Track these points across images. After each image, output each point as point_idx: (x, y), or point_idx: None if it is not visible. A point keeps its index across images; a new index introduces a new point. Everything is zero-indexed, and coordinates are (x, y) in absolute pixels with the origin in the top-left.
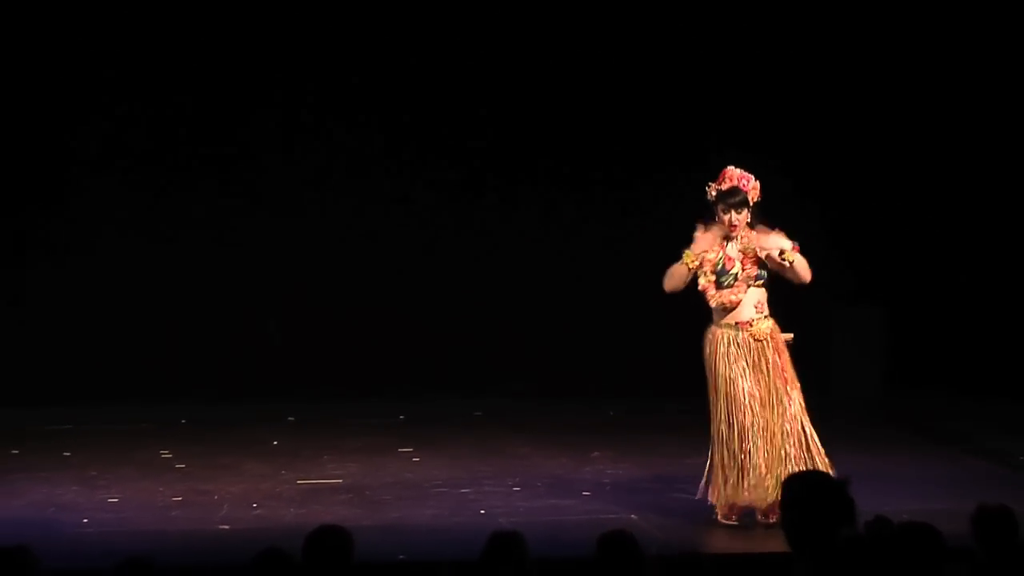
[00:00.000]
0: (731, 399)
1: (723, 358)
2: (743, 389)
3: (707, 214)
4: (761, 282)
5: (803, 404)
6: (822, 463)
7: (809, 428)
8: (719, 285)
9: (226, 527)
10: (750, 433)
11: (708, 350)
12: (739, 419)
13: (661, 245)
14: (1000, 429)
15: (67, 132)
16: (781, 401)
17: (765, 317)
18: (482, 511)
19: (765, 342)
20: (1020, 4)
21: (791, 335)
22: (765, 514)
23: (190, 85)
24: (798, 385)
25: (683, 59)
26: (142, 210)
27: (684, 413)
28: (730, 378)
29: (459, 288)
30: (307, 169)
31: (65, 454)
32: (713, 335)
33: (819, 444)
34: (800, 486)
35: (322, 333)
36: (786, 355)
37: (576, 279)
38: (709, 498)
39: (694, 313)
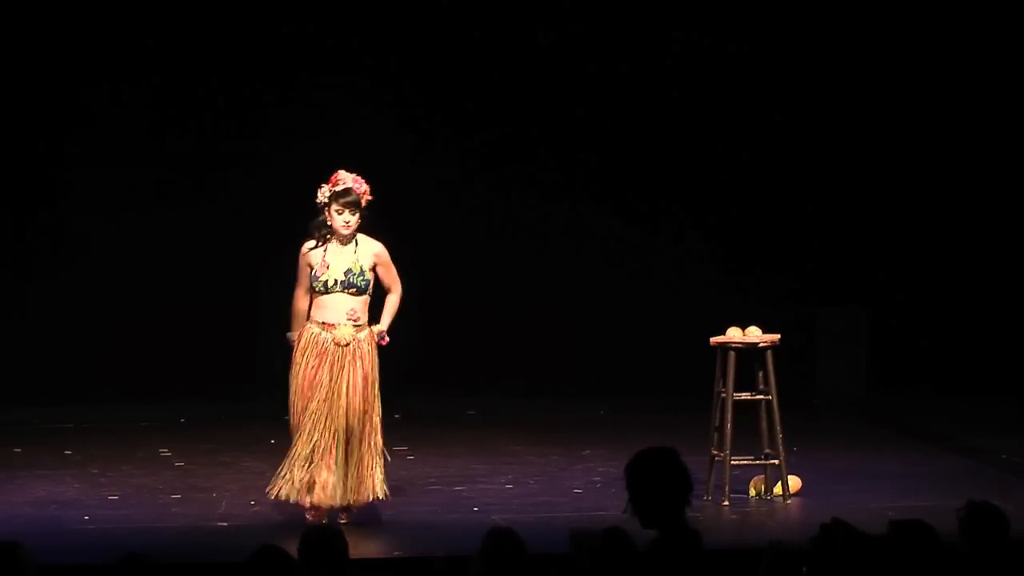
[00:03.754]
0: (300, 394)
1: (302, 353)
2: (311, 385)
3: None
4: (353, 290)
5: (374, 422)
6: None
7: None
8: (313, 290)
9: (224, 524)
10: (317, 432)
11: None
12: (304, 414)
13: (653, 244)
14: (982, 427)
15: (67, 131)
16: (346, 408)
17: (354, 324)
18: (476, 508)
19: (347, 348)
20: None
21: (777, 336)
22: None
23: (189, 84)
24: (374, 400)
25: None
26: (143, 210)
27: (674, 412)
28: (304, 374)
29: (453, 288)
30: (307, 169)
31: (66, 452)
32: (307, 330)
33: (372, 468)
34: (639, 463)
35: None
36: (371, 365)
37: (569, 278)
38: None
39: (686, 313)
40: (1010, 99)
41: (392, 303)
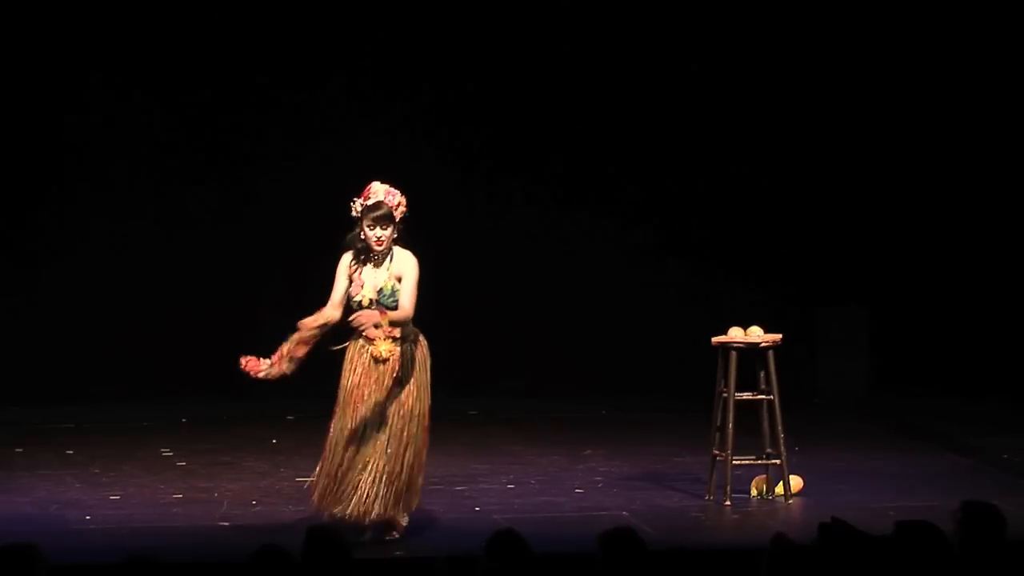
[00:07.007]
0: (343, 405)
1: (350, 363)
2: (354, 397)
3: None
4: (373, 306)
5: (412, 435)
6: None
7: (406, 462)
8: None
9: (226, 524)
10: (353, 441)
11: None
12: (344, 426)
13: (653, 244)
14: (982, 427)
15: (67, 131)
16: (382, 423)
17: (389, 339)
18: (477, 508)
19: (387, 365)
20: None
21: (779, 335)
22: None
23: (188, 83)
24: (416, 416)
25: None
26: (143, 209)
27: (676, 411)
28: (348, 386)
29: (452, 288)
30: (308, 168)
31: (68, 452)
32: (353, 342)
33: (409, 480)
34: None
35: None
36: (407, 391)
37: (569, 278)
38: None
39: (687, 313)
40: (1010, 98)
41: (394, 314)
